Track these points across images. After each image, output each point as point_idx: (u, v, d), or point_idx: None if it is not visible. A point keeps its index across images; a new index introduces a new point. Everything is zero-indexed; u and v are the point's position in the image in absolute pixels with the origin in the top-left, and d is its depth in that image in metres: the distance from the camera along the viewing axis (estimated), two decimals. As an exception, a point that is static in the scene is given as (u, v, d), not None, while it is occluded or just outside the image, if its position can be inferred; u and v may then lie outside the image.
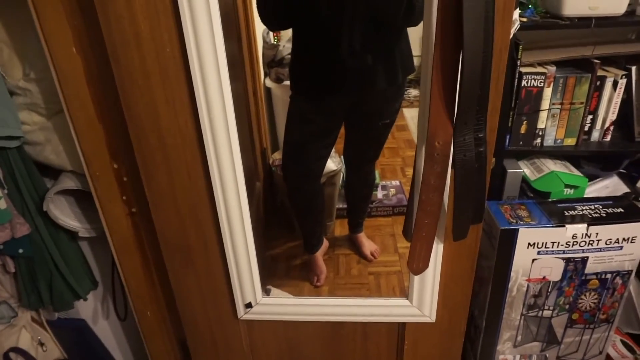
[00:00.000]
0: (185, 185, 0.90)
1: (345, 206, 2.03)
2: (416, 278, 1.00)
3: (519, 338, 1.36)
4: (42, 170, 1.17)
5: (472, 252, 0.99)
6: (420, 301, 1.04)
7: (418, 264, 0.92)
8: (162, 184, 0.91)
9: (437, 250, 0.95)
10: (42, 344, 1.33)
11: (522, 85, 1.29)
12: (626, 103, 1.36)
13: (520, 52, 1.25)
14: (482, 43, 0.67)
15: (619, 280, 1.29)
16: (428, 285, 1.01)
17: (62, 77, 0.88)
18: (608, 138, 1.40)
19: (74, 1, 0.81)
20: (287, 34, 1.98)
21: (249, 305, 1.09)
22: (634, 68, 1.32)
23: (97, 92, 0.90)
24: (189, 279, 1.05)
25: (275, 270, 1.94)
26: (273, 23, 1.46)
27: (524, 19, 1.26)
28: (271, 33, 2.09)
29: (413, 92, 3.99)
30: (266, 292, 1.24)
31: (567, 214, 1.24)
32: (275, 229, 2.13)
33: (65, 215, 1.19)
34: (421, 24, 0.82)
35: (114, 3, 0.74)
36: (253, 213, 0.96)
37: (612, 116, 1.37)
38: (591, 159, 1.51)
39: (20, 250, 1.14)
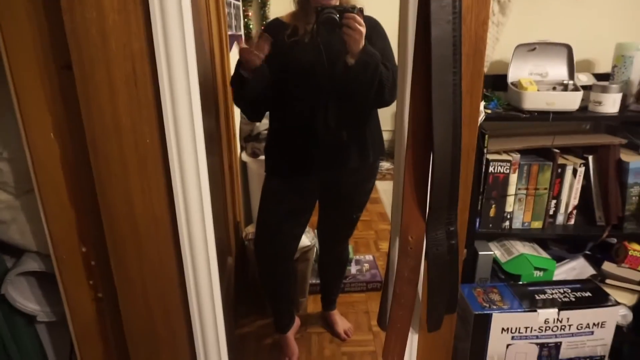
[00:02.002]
0: (156, 273, 0.88)
1: (318, 282, 2.00)
2: (391, 370, 0.97)
3: None
4: (2, 248, 1.12)
5: (447, 342, 0.98)
6: (395, 394, 1.00)
7: (393, 356, 0.90)
8: (132, 271, 0.88)
9: (412, 341, 0.93)
10: None
11: (490, 171, 1.35)
12: (586, 189, 1.43)
13: (486, 141, 1.33)
14: (451, 146, 0.71)
15: (592, 366, 1.29)
16: (403, 377, 0.98)
17: (37, 161, 0.87)
18: (572, 222, 1.46)
19: (56, 90, 0.82)
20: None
21: (216, 399, 1.02)
22: (590, 157, 1.41)
23: (72, 176, 0.89)
24: (154, 371, 0.99)
25: (245, 351, 1.85)
26: (252, 117, 1.51)
27: (489, 111, 1.35)
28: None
29: (385, 165, 4.08)
30: (235, 378, 1.17)
31: (538, 297, 1.26)
32: (246, 305, 2.06)
33: (24, 297, 1.12)
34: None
35: (97, 97, 0.76)
36: (223, 291, 0.93)
37: (574, 201, 1.43)
38: (558, 241, 1.57)
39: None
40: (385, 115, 1.48)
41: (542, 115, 1.34)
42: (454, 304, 0.89)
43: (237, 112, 2.31)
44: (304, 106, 1.39)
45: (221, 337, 0.93)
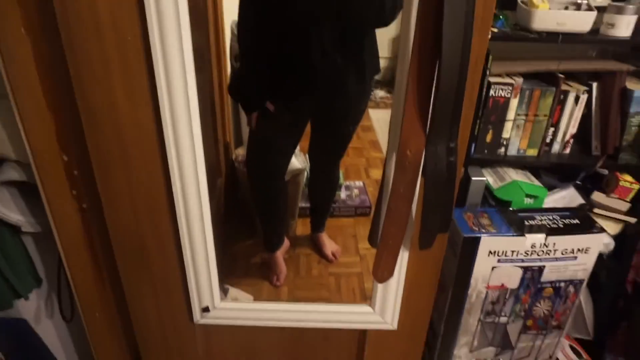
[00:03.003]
0: (142, 182, 0.85)
1: (308, 205, 2.01)
2: (380, 286, 0.99)
3: (475, 343, 1.38)
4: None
5: (437, 261, 0.98)
6: (382, 309, 1.03)
7: (383, 272, 0.91)
8: (118, 181, 0.85)
9: (402, 258, 0.94)
10: (-24, 345, 1.23)
11: (490, 94, 1.30)
12: (586, 118, 1.40)
13: (490, 62, 1.26)
14: (460, 53, 0.66)
15: (571, 289, 1.33)
16: (391, 293, 0.99)
17: (8, 59, 0.80)
18: (567, 150, 1.44)
19: (24, -23, 0.73)
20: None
21: (206, 310, 1.04)
22: (595, 84, 1.36)
23: (48, 78, 0.82)
24: (143, 280, 0.99)
25: (234, 269, 1.89)
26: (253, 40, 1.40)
27: (495, 30, 1.27)
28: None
29: (380, 93, 3.99)
30: (224, 291, 1.19)
31: (527, 223, 1.27)
32: (235, 226, 2.07)
33: (7, 207, 1.09)
34: (395, 26, 0.80)
35: (69, -16, 0.67)
36: (213, 210, 0.91)
37: (573, 130, 1.40)
38: (550, 170, 1.56)
39: (-46, 245, 1.04)
40: (382, 40, 1.41)
41: (551, 37, 1.26)
42: (448, 223, 0.89)
43: (227, 29, 2.17)
44: (298, 28, 1.31)
45: (210, 246, 0.92)
